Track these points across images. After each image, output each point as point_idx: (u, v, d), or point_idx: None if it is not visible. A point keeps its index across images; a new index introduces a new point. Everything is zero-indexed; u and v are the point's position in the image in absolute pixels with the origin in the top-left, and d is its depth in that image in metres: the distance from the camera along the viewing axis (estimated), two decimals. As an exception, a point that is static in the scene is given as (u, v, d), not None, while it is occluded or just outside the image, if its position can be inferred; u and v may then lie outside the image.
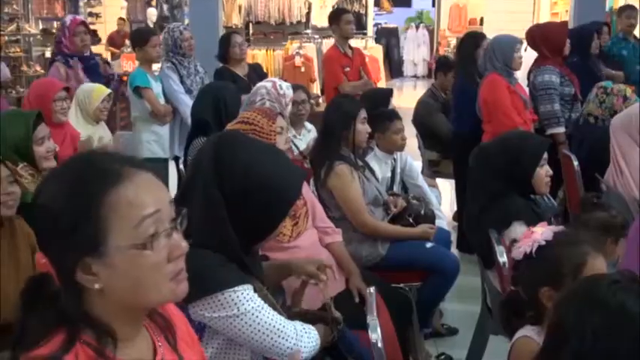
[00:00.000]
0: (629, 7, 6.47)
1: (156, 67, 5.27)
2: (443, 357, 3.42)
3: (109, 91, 4.16)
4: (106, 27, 10.63)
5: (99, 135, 4.17)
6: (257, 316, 1.78)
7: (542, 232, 1.90)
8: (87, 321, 1.10)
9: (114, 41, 10.39)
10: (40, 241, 1.13)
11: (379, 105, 4.14)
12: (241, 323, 1.78)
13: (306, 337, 1.89)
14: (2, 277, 2.18)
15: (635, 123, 3.43)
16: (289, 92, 3.77)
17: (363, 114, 3.38)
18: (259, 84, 3.84)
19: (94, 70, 4.92)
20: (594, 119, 4.18)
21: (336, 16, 5.82)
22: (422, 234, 3.34)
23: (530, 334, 1.80)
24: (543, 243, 1.86)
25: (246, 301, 1.78)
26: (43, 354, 1.05)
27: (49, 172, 1.18)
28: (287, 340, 1.84)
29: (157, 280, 1.12)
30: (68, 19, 5.05)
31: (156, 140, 4.88)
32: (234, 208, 1.84)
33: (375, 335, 1.88)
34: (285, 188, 1.90)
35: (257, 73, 5.41)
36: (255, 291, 1.81)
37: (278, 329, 1.83)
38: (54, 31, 10.02)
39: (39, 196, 1.13)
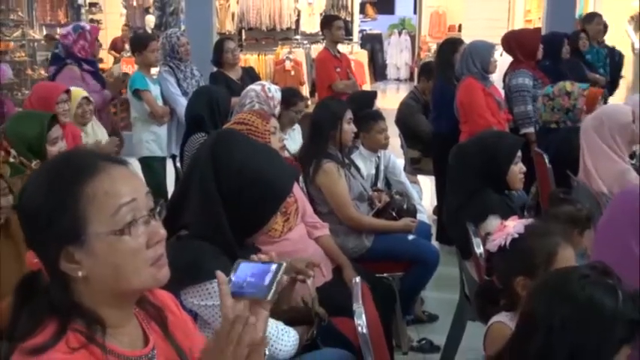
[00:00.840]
0: (597, 15, 6.52)
1: (154, 70, 5.24)
2: (424, 342, 3.43)
3: (84, 94, 4.06)
4: (107, 33, 10.56)
5: (104, 138, 4.15)
6: None
7: (515, 225, 1.91)
8: (76, 310, 1.10)
9: (116, 46, 10.35)
10: (26, 237, 1.13)
11: (364, 106, 4.15)
12: None
13: (286, 336, 1.89)
14: (5, 276, 2.15)
15: (607, 126, 3.45)
16: (277, 95, 3.77)
17: (349, 115, 3.38)
18: (249, 87, 3.85)
19: (99, 74, 4.97)
20: (555, 124, 4.18)
21: (327, 22, 5.91)
22: (404, 227, 3.35)
23: (504, 320, 1.81)
24: (516, 236, 1.88)
25: None
26: (37, 343, 1.05)
27: (32, 172, 1.17)
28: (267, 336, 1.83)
29: (138, 266, 1.11)
30: (87, 25, 5.08)
31: (154, 140, 4.86)
32: (229, 203, 1.85)
33: (361, 322, 1.88)
34: (277, 185, 1.91)
35: (250, 76, 5.40)
36: None
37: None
38: (57, 36, 9.94)
39: (22, 195, 1.13)
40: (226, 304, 1.09)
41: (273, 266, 1.14)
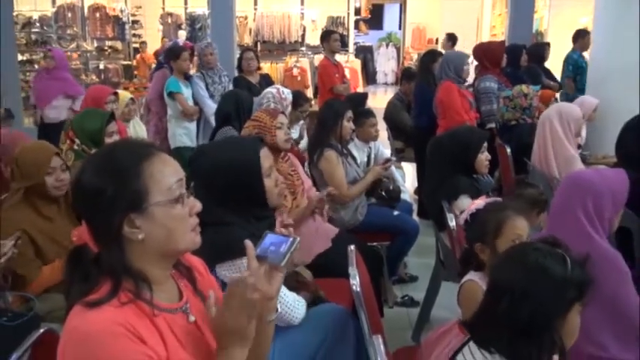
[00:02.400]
0: (588, 32, 6.48)
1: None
2: (406, 298, 3.44)
3: (130, 96, 4.08)
4: (147, 46, 10.50)
5: (143, 135, 4.15)
6: None
7: (479, 203, 1.92)
8: (127, 271, 1.11)
9: (157, 55, 10.30)
10: (84, 211, 1.12)
11: (358, 105, 4.14)
12: None
13: (299, 305, 1.89)
14: (64, 248, 2.16)
15: (565, 117, 3.43)
16: (289, 96, 3.78)
17: (349, 114, 3.36)
18: (267, 90, 3.85)
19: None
20: (515, 121, 4.17)
21: (326, 35, 5.86)
22: (377, 175, 3.32)
23: (474, 278, 1.81)
24: (475, 211, 1.89)
25: None
26: (94, 298, 1.06)
27: (84, 162, 1.16)
28: (287, 306, 1.84)
29: (184, 230, 1.14)
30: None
31: (185, 133, 4.86)
32: (226, 196, 1.82)
33: (355, 282, 1.88)
34: (247, 159, 1.86)
35: (266, 80, 5.38)
36: None
37: (284, 295, 1.83)
38: (106, 48, 9.92)
39: (82, 175, 1.12)
40: (252, 266, 1.13)
41: (290, 239, 1.17)
